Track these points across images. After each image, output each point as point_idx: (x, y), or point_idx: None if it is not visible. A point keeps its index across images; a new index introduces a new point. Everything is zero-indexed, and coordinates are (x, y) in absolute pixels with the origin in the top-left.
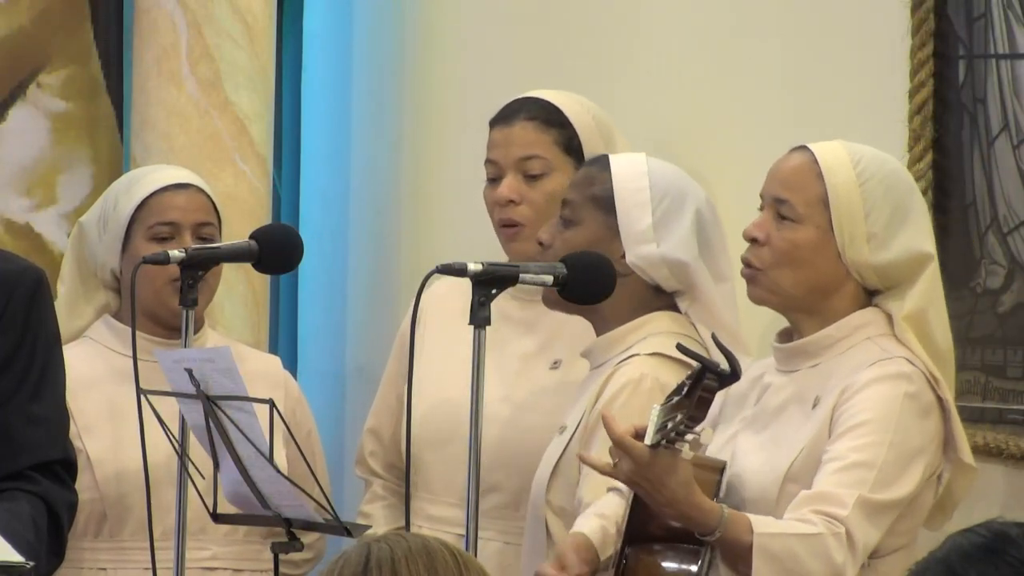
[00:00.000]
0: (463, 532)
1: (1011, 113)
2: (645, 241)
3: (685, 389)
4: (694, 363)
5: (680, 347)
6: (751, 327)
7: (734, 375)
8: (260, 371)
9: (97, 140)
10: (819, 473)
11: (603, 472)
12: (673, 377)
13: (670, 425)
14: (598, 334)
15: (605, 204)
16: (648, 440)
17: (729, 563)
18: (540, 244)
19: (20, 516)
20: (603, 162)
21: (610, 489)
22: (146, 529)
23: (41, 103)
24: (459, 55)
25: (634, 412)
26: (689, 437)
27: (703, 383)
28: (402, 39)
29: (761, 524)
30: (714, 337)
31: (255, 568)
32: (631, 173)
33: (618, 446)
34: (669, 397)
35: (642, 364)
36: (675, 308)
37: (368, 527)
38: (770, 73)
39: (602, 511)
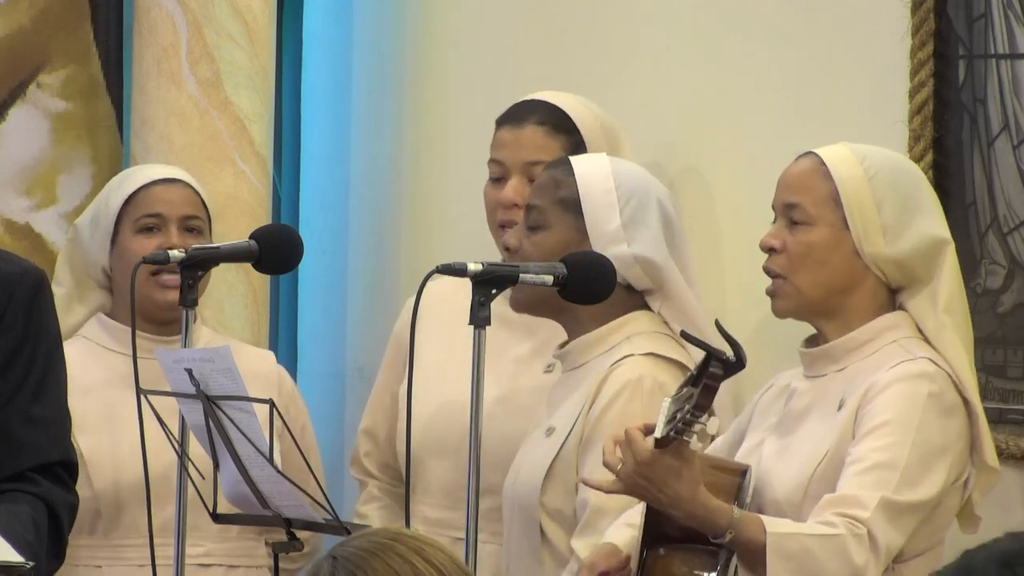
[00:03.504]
0: (460, 535)
1: (1011, 113)
2: (616, 242)
3: (694, 379)
4: (685, 364)
5: (684, 334)
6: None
7: (739, 363)
8: (253, 367)
9: (97, 140)
10: (842, 476)
11: (605, 490)
12: (670, 377)
13: (679, 416)
14: (571, 336)
15: (572, 207)
16: (658, 432)
17: (747, 566)
18: (507, 249)
19: (20, 517)
20: (566, 165)
21: None
22: (139, 527)
23: (41, 103)
24: (459, 55)
25: (637, 413)
26: (696, 427)
27: (708, 371)
28: (402, 39)
29: (775, 524)
30: (717, 324)
31: (250, 564)
32: (597, 175)
33: (626, 439)
34: (679, 389)
35: (639, 364)
36: (647, 307)
37: (368, 527)
38: (770, 73)
39: (632, 520)
